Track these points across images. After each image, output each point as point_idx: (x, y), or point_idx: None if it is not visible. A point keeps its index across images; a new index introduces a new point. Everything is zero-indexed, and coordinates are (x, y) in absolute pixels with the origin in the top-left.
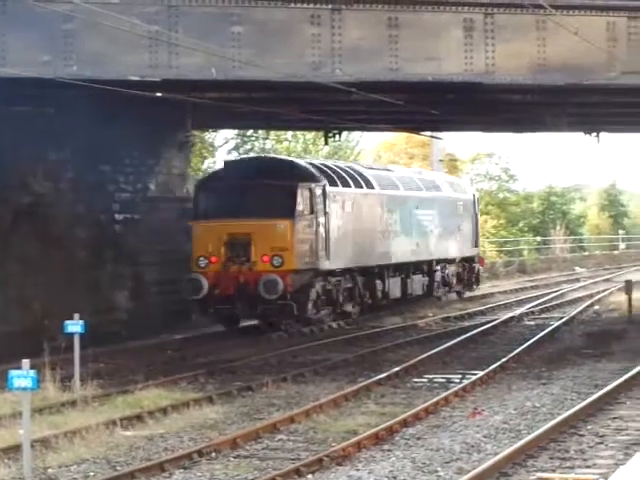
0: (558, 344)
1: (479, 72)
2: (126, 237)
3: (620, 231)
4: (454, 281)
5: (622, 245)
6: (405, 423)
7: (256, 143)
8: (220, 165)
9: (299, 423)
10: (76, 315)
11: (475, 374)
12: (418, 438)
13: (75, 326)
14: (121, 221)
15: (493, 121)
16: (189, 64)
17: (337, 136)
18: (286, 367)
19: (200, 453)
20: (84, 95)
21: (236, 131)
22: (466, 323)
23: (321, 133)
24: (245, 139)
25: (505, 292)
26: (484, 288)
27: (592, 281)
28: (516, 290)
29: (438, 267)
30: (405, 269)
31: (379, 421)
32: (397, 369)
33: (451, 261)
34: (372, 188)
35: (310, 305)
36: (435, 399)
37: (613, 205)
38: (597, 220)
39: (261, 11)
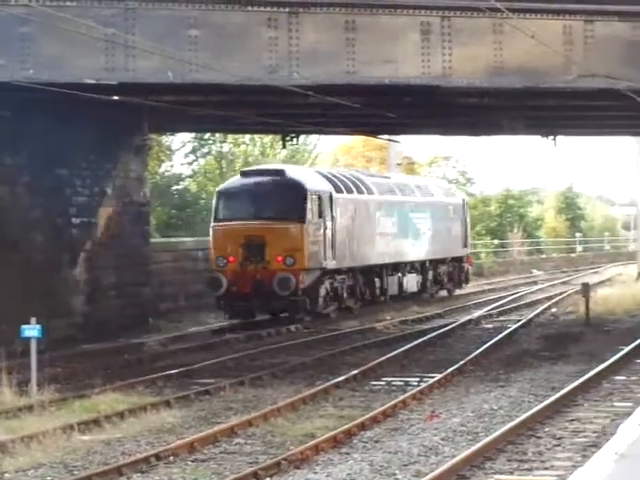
0: (515, 347)
1: (436, 75)
2: (83, 241)
3: (577, 234)
4: (445, 279)
5: (579, 248)
6: (363, 426)
7: (213, 146)
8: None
9: (257, 427)
10: (33, 319)
11: (433, 377)
12: (376, 441)
13: (32, 330)
14: (78, 225)
15: (450, 124)
16: (146, 67)
17: (294, 139)
18: (244, 370)
19: (158, 457)
20: (40, 98)
21: (193, 134)
22: (424, 326)
23: (279, 136)
24: (202, 142)
25: (463, 295)
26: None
27: (549, 284)
28: (474, 293)
29: (431, 266)
30: (401, 268)
31: (337, 424)
32: (355, 372)
33: (442, 261)
34: (372, 194)
35: (321, 301)
36: (393, 402)
37: (570, 208)
38: (554, 223)
39: (218, 14)
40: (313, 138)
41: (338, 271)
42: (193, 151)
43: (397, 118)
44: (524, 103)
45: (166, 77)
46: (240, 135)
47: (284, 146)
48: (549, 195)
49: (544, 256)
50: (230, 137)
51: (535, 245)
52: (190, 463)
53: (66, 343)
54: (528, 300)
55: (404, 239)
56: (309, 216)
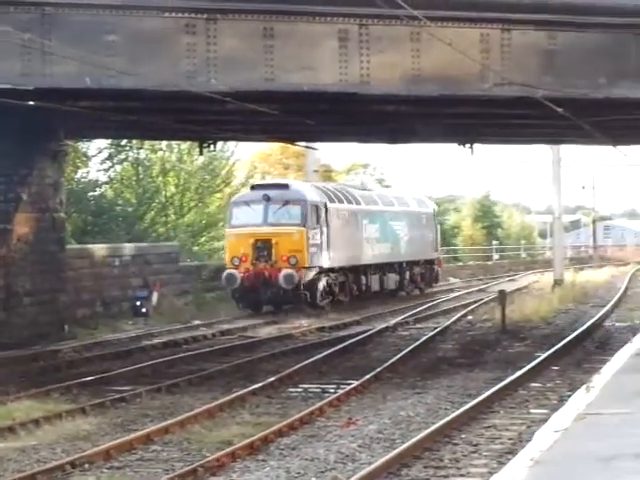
0: (432, 354)
1: (354, 82)
2: None
3: (494, 242)
4: (419, 279)
5: (495, 256)
6: (280, 433)
7: (130, 153)
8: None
9: (173, 434)
10: None
11: (350, 384)
12: (293, 448)
13: None
14: None
15: (368, 132)
16: (63, 73)
17: (212, 146)
18: (161, 377)
19: (73, 464)
20: None
21: (110, 140)
22: (341, 333)
23: (196, 143)
24: (119, 149)
25: (379, 302)
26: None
27: (466, 291)
28: (390, 301)
29: (407, 267)
30: (382, 268)
31: (254, 431)
32: (272, 379)
33: (417, 263)
34: (359, 204)
35: (318, 295)
36: (310, 409)
37: (487, 216)
38: (471, 231)
39: (136, 20)
40: (231, 145)
41: (332, 270)
42: (110, 157)
43: (315, 125)
44: (441, 111)
45: (83, 82)
46: (157, 141)
47: (201, 153)
48: (466, 203)
49: (461, 264)
50: (147, 143)
51: (452, 253)
52: (106, 470)
53: None
54: (445, 308)
55: (385, 243)
56: (309, 223)
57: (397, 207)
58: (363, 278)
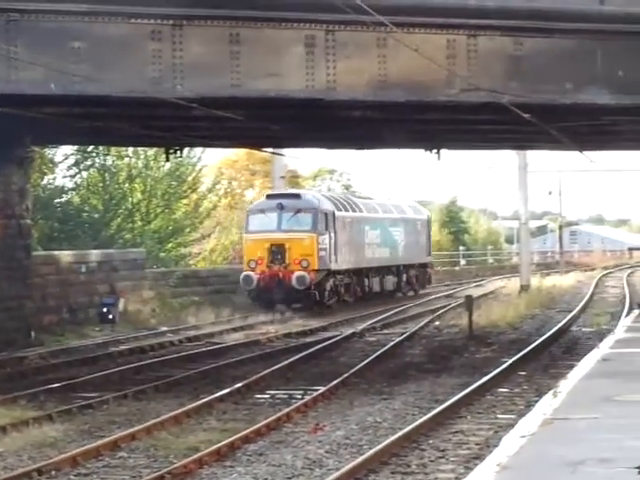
0: (399, 359)
1: (320, 88)
2: None
3: (460, 247)
4: (414, 281)
5: (462, 261)
6: (247, 439)
7: (97, 159)
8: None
9: (140, 440)
10: None
11: (317, 390)
12: (260, 454)
13: None
14: None
15: (335, 137)
16: (28, 79)
17: (178, 152)
18: (127, 384)
19: (40, 472)
20: None
21: (76, 147)
22: (308, 339)
23: (162, 149)
24: (85, 155)
25: (346, 308)
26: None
27: (433, 297)
28: (358, 306)
29: (404, 270)
30: (382, 271)
31: (221, 437)
32: (239, 385)
33: (412, 266)
34: (362, 212)
35: (326, 294)
36: (277, 415)
37: (453, 222)
38: (438, 236)
39: (101, 26)
40: (198, 151)
41: (338, 272)
42: (76, 164)
43: (282, 131)
44: (408, 117)
45: (48, 89)
46: (124, 148)
47: (167, 159)
48: (433, 209)
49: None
50: (113, 150)
51: None
52: (73, 477)
53: None
54: (412, 313)
55: (384, 248)
56: (319, 229)
57: (395, 214)
58: (366, 280)
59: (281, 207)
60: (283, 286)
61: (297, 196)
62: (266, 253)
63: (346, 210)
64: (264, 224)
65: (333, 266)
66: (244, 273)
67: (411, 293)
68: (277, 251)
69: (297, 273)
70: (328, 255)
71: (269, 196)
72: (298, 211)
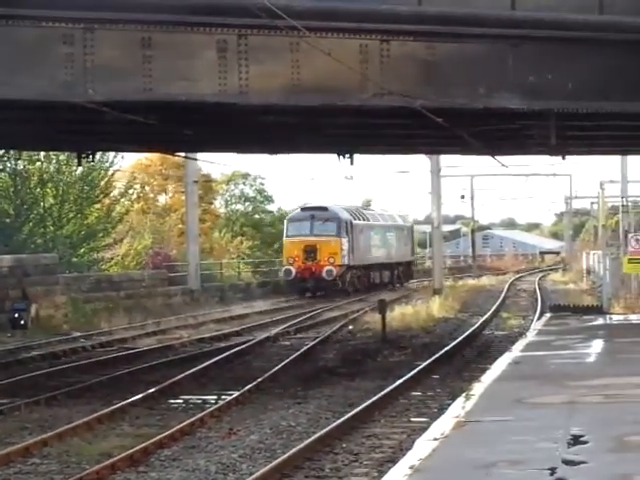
0: (313, 363)
1: (233, 93)
2: None
3: None
4: (402, 275)
5: None
6: (160, 444)
7: (7, 163)
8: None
9: (52, 447)
10: None
11: (231, 394)
12: (173, 459)
13: None
14: None
15: (249, 142)
16: None
17: (91, 157)
18: (39, 390)
19: None
20: None
21: None
22: (222, 344)
23: (75, 153)
24: None
25: (261, 313)
26: (238, 309)
27: (346, 301)
28: (272, 311)
29: (396, 266)
30: (381, 267)
31: (134, 443)
32: (152, 390)
33: (401, 263)
34: (369, 221)
35: (347, 284)
36: (191, 420)
37: None
38: None
39: (12, 29)
40: (110, 155)
41: (354, 267)
42: None
43: (195, 135)
44: (321, 121)
45: None
46: (35, 152)
47: (79, 163)
48: None
49: None
50: (25, 154)
51: None
52: None
53: None
54: (325, 317)
55: (383, 249)
56: (341, 234)
57: (389, 222)
58: (371, 274)
59: (312, 217)
60: (315, 277)
61: (325, 209)
62: (301, 252)
63: (359, 219)
64: (300, 230)
65: (351, 262)
66: (285, 267)
67: (398, 285)
68: (310, 250)
69: (326, 267)
70: (347, 254)
71: (303, 209)
72: (326, 220)
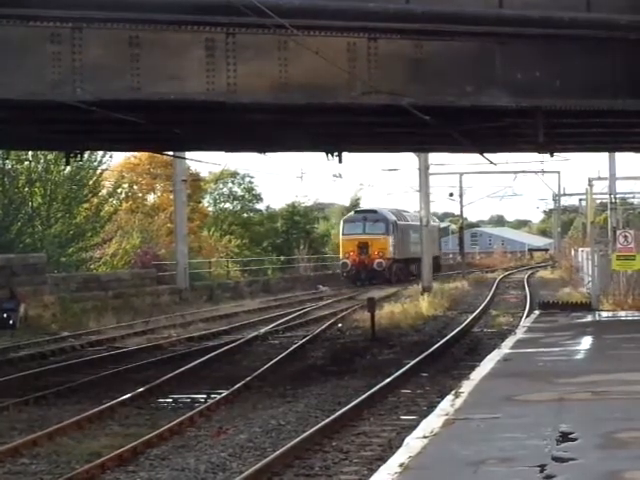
0: (302, 362)
1: (221, 91)
2: None
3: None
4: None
5: None
6: (149, 444)
7: None
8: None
9: (42, 447)
10: None
11: (220, 393)
12: (163, 459)
13: None
14: None
15: (237, 140)
16: None
17: (79, 156)
18: (28, 390)
19: None
20: None
21: None
22: (211, 343)
23: (63, 153)
24: None
25: (249, 311)
26: (227, 308)
27: (336, 299)
28: (260, 309)
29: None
30: (416, 261)
31: (123, 442)
32: (141, 390)
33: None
34: (407, 221)
35: (392, 274)
36: (180, 419)
37: None
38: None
39: None
40: (99, 154)
41: (398, 260)
42: None
43: (183, 134)
44: (309, 119)
45: None
46: (23, 151)
47: (67, 163)
48: (335, 211)
49: (330, 272)
50: (13, 153)
51: (321, 261)
52: None
53: None
54: (314, 316)
55: (418, 245)
56: (389, 232)
57: (417, 222)
58: (410, 266)
59: (365, 218)
60: (367, 269)
61: (374, 211)
62: (356, 248)
63: (401, 220)
64: (354, 229)
65: (396, 256)
66: (342, 260)
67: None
68: (363, 247)
69: (377, 260)
70: (393, 250)
71: (356, 212)
72: (376, 221)
